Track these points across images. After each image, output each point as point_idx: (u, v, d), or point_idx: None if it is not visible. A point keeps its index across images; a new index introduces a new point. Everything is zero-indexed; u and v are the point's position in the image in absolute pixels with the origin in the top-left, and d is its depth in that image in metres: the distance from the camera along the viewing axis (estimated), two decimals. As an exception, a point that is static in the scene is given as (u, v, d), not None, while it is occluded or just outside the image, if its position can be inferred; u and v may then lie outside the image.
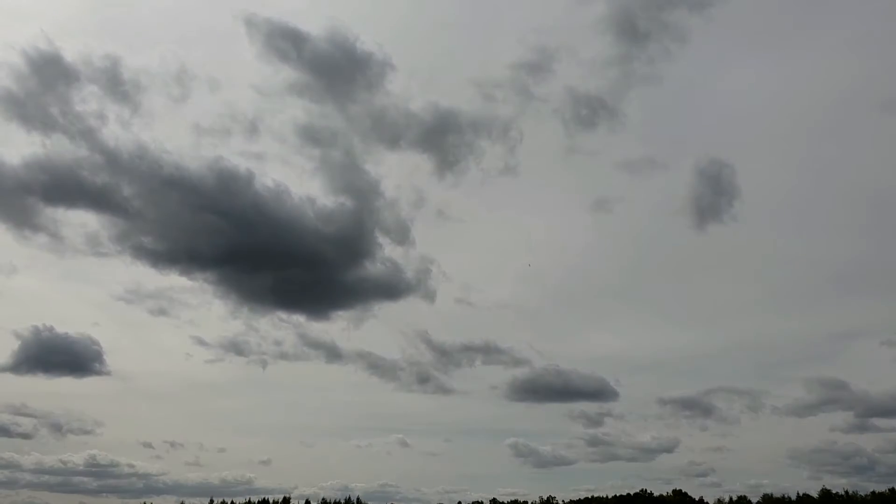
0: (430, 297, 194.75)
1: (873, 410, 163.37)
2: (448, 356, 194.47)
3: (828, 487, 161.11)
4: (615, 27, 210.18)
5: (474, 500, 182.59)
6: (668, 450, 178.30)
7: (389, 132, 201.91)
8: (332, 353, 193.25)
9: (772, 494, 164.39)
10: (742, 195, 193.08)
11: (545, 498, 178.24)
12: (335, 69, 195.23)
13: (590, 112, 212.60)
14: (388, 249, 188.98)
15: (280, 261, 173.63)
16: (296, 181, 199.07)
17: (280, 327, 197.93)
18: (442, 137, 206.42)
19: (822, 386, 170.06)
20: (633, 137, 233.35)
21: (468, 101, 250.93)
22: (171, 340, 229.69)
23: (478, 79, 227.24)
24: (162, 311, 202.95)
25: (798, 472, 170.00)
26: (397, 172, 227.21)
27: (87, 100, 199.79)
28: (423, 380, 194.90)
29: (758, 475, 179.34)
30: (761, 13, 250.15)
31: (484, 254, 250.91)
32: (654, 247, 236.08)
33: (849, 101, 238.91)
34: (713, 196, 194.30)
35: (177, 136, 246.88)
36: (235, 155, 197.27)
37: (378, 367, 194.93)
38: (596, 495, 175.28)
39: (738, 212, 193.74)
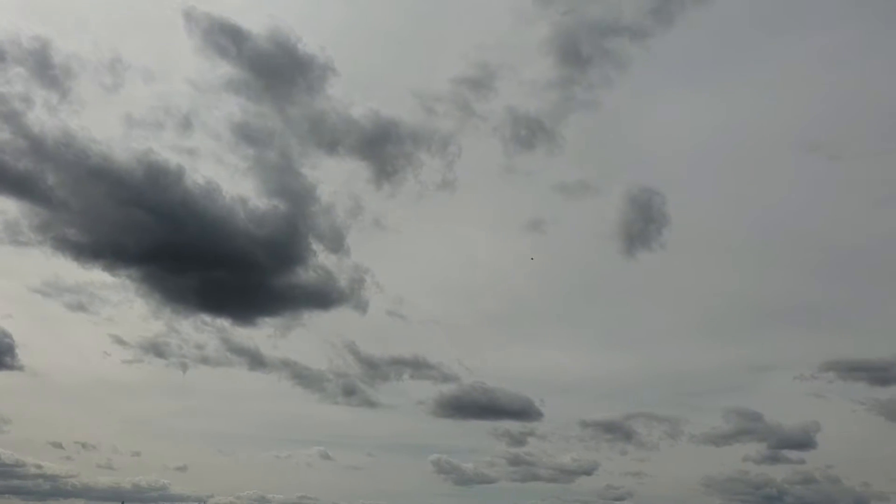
0: (361, 307, 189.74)
1: (784, 442, 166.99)
2: (376, 369, 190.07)
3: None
4: (558, 50, 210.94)
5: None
6: (588, 472, 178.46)
7: (328, 137, 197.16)
8: (256, 361, 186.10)
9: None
10: (671, 224, 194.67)
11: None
12: (275, 69, 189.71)
13: (529, 133, 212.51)
14: (321, 257, 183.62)
15: (207, 261, 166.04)
16: (228, 180, 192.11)
17: (203, 330, 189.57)
18: (381, 146, 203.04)
19: (738, 416, 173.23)
20: (569, 161, 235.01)
21: (409, 112, 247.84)
22: (88, 338, 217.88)
23: (420, 90, 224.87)
24: (80, 307, 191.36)
25: (711, 500, 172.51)
26: (334, 178, 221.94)
27: (13, 81, 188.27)
28: (349, 392, 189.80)
29: (673, 501, 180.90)
30: (697, 48, 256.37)
31: (418, 267, 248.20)
32: (584, 270, 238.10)
33: (773, 140, 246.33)
34: (643, 223, 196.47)
35: (106, 125, 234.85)
36: (166, 149, 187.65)
37: (303, 376, 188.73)
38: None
39: (666, 240, 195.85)
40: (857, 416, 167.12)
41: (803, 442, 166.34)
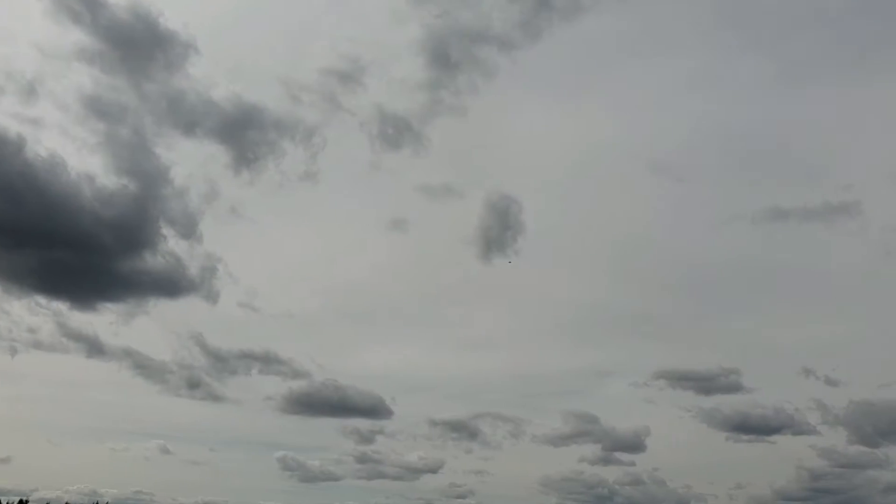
0: (212, 298, 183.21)
1: (617, 445, 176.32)
2: (224, 362, 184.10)
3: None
4: (428, 52, 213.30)
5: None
6: (433, 470, 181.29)
7: (186, 117, 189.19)
8: (95, 348, 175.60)
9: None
10: (526, 232, 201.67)
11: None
12: (133, 42, 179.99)
13: (396, 132, 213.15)
14: (171, 242, 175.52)
15: (47, 240, 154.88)
16: (74, 155, 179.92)
17: (37, 313, 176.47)
18: (242, 131, 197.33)
19: (576, 418, 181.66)
20: (434, 163, 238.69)
21: (274, 99, 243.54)
22: None
23: (286, 78, 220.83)
24: None
25: (547, 499, 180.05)
26: (190, 161, 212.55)
27: None
28: (194, 385, 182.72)
29: (512, 499, 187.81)
30: (562, 64, 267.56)
31: (274, 259, 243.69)
32: (441, 272, 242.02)
33: (625, 158, 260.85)
34: (500, 229, 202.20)
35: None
36: (7, 117, 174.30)
37: (145, 367, 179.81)
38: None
39: (521, 247, 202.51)
40: (683, 423, 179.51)
41: (635, 445, 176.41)
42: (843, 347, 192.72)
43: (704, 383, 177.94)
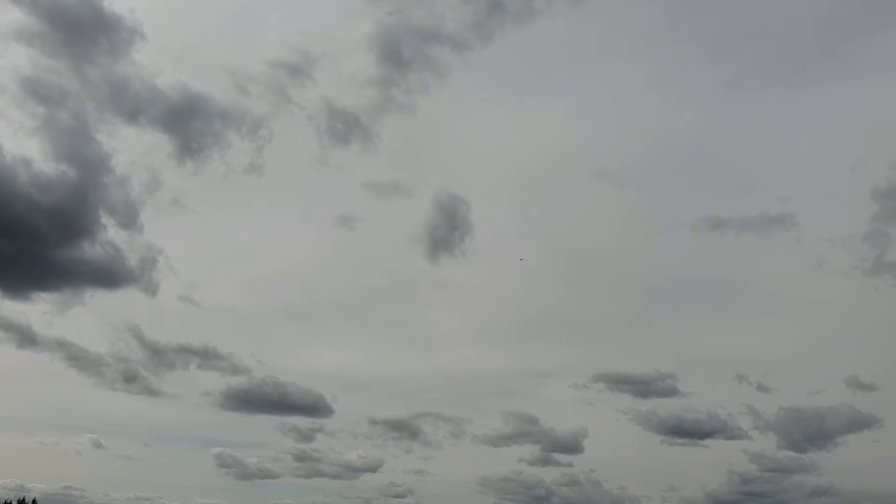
0: (151, 290, 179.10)
1: (556, 446, 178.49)
2: (161, 356, 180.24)
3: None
4: (380, 49, 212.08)
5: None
6: (373, 469, 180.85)
7: (129, 104, 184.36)
8: (27, 338, 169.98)
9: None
10: (473, 233, 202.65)
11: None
12: (76, 24, 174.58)
13: (345, 127, 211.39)
14: (110, 232, 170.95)
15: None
16: (10, 138, 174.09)
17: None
18: (187, 121, 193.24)
19: (516, 419, 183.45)
20: (382, 160, 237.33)
21: (220, 89, 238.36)
22: None
23: (234, 68, 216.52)
24: None
25: (486, 499, 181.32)
26: (132, 149, 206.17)
27: None
28: (130, 379, 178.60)
29: (451, 499, 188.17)
30: (512, 68, 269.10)
31: (217, 252, 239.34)
32: (387, 270, 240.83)
33: (570, 164, 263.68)
34: (448, 229, 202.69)
35: None
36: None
37: (79, 359, 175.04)
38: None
39: (468, 248, 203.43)
40: (620, 425, 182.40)
41: (573, 446, 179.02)
42: (776, 355, 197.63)
43: (641, 387, 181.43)
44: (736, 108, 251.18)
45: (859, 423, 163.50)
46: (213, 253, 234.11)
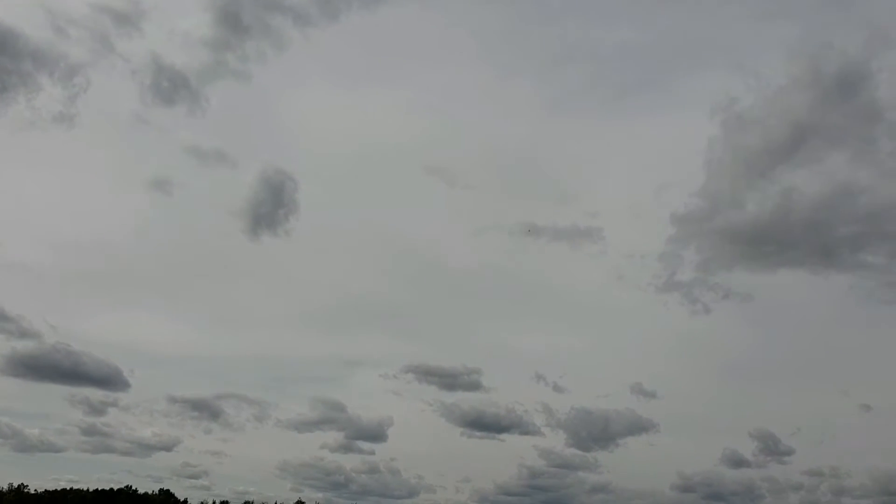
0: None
1: (360, 434, 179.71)
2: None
3: (303, 500, 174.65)
4: (219, 10, 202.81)
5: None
6: (168, 448, 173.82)
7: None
8: None
9: (252, 502, 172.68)
10: (299, 213, 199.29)
11: (16, 486, 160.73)
12: None
13: (171, 86, 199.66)
14: None
15: None
16: None
17: None
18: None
19: (324, 405, 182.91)
20: (209, 126, 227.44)
21: (36, 27, 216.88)
22: None
23: (52, 6, 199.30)
24: None
25: (283, 483, 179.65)
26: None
27: None
28: None
29: (247, 482, 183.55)
30: (355, 51, 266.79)
31: (14, 205, 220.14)
32: (203, 242, 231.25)
33: (404, 155, 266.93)
34: (272, 206, 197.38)
35: None
36: None
37: None
38: (77, 487, 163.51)
39: (292, 227, 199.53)
40: (424, 416, 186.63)
41: (377, 435, 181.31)
42: (573, 358, 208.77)
43: (449, 380, 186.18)
44: (559, 125, 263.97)
45: (639, 426, 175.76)
46: (8, 204, 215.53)
